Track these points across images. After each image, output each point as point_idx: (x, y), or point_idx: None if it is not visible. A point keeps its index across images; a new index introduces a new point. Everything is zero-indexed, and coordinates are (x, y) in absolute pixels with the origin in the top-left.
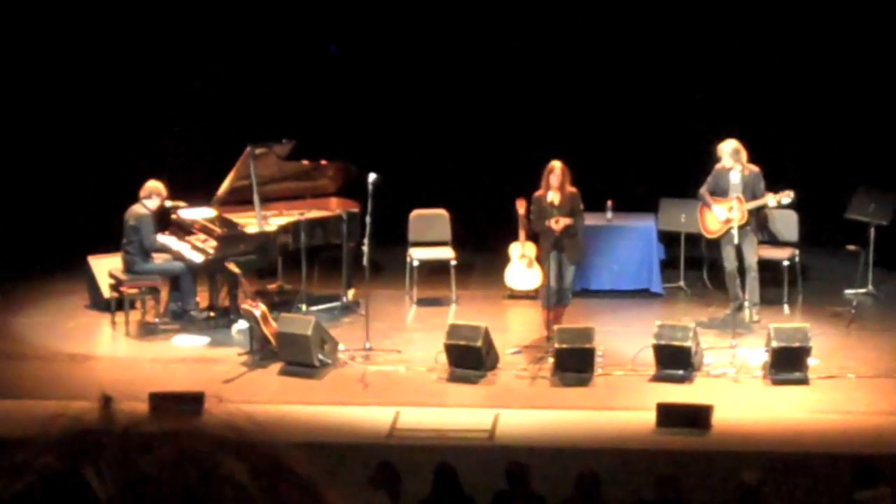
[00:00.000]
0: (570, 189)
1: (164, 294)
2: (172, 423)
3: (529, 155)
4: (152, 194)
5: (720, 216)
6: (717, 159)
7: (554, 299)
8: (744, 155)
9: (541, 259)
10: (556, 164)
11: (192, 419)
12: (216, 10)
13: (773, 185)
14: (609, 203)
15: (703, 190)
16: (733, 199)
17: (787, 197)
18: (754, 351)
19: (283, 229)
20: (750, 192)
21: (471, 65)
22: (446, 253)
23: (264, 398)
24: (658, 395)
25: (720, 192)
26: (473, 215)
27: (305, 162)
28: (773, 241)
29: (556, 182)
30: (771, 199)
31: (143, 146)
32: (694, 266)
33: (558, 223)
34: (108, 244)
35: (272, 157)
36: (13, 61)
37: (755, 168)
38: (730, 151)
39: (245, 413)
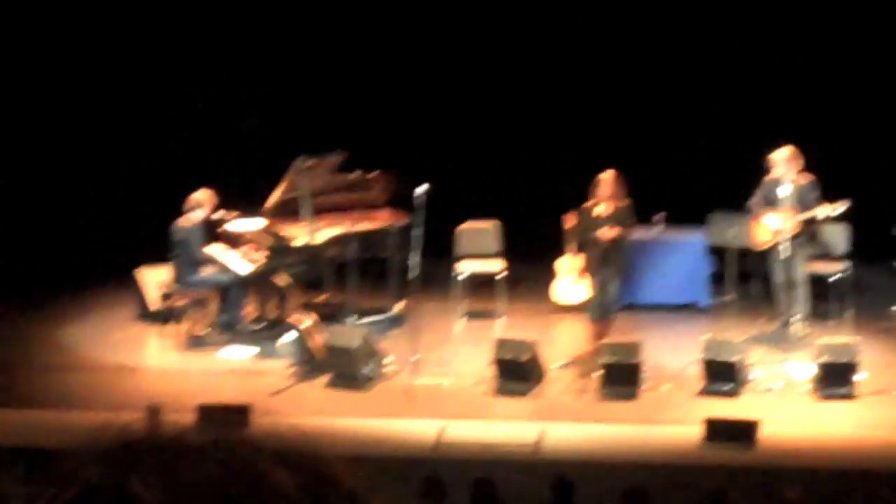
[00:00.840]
0: (623, 201)
1: (212, 306)
2: (219, 434)
3: (580, 166)
4: (198, 205)
5: (771, 226)
6: (766, 170)
7: (600, 313)
8: (800, 161)
9: (588, 272)
10: (608, 175)
11: (238, 430)
12: (269, 26)
13: (827, 198)
14: (658, 216)
15: (754, 201)
16: (786, 209)
17: (842, 206)
18: (802, 366)
19: (332, 241)
20: (802, 203)
21: (524, 76)
22: (494, 266)
23: (311, 410)
24: (705, 410)
25: (770, 202)
26: (524, 227)
27: (355, 174)
28: (824, 256)
29: (606, 192)
30: (824, 210)
31: (194, 156)
32: (742, 280)
33: (609, 231)
34: (157, 255)
35: (322, 169)
36: (67, 76)
37: (810, 177)
38: (785, 157)
39: (292, 425)
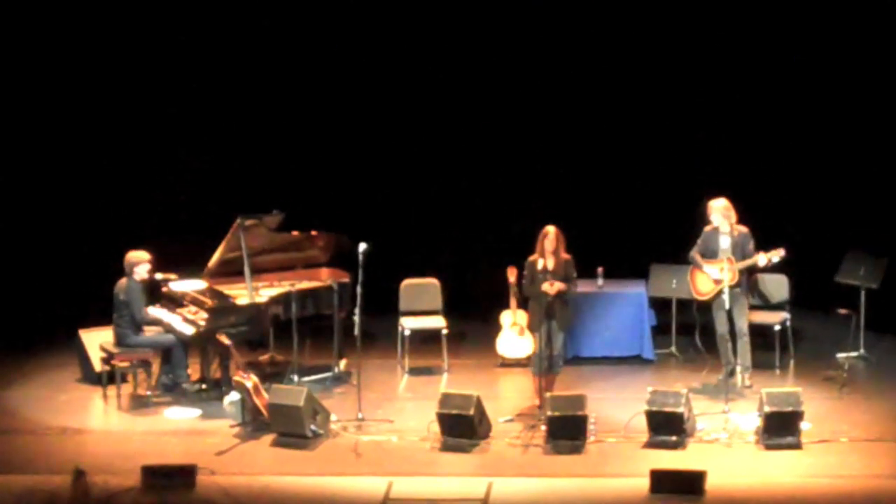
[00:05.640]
0: (565, 256)
1: (155, 367)
2: (149, 497)
3: (519, 223)
4: (137, 264)
5: (712, 276)
6: (706, 219)
7: (545, 366)
8: (733, 214)
9: (532, 326)
10: (551, 230)
11: (169, 493)
12: (206, 82)
13: (764, 248)
14: (600, 270)
15: (694, 252)
16: (724, 259)
17: (777, 255)
18: (747, 416)
19: (274, 300)
20: (740, 253)
21: (460, 134)
22: (437, 322)
23: (257, 470)
24: (651, 462)
25: (710, 254)
26: (464, 284)
27: (295, 233)
28: (765, 305)
29: (550, 247)
30: (762, 258)
31: (134, 219)
32: (685, 332)
33: (553, 286)
34: (100, 317)
35: (262, 229)
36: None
37: (744, 229)
38: (720, 209)
39: (227, 486)
